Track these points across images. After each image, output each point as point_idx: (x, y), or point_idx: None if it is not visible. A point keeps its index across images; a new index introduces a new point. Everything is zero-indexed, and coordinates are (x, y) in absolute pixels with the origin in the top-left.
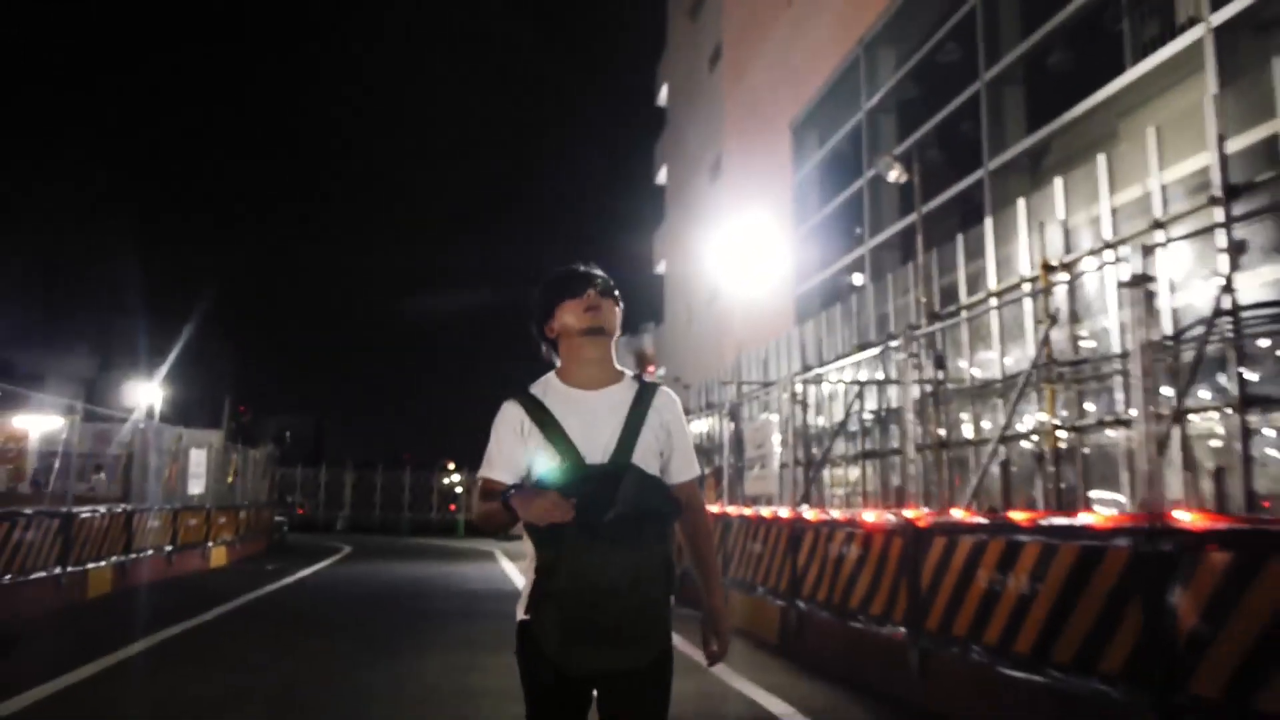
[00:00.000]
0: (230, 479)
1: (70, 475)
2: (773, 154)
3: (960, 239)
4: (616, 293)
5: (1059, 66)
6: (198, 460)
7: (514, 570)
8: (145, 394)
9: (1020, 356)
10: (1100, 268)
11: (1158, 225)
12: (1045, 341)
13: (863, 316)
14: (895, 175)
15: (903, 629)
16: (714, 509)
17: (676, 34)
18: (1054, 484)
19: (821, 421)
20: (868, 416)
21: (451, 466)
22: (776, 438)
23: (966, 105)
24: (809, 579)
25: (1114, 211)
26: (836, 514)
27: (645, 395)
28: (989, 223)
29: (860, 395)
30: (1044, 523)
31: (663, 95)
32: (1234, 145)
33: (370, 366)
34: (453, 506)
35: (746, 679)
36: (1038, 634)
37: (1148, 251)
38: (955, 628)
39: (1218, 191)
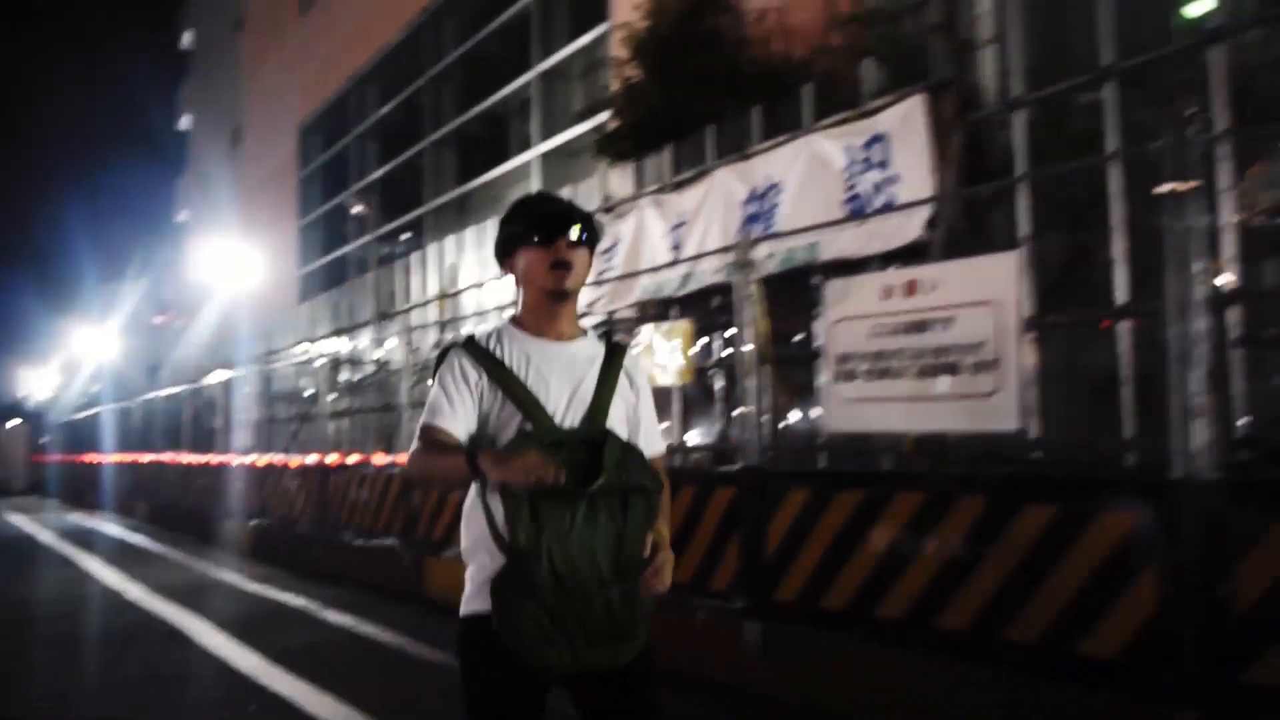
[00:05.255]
0: None
1: None
2: (283, 146)
3: (404, 261)
4: (588, 234)
5: (480, 141)
6: None
7: (22, 520)
8: None
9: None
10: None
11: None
12: (436, 344)
13: (343, 305)
14: (357, 210)
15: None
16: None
17: None
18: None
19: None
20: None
21: None
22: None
23: (416, 156)
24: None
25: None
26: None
27: (616, 354)
28: (416, 255)
29: (336, 367)
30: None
31: (187, 40)
32: None
33: None
34: None
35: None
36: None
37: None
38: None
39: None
